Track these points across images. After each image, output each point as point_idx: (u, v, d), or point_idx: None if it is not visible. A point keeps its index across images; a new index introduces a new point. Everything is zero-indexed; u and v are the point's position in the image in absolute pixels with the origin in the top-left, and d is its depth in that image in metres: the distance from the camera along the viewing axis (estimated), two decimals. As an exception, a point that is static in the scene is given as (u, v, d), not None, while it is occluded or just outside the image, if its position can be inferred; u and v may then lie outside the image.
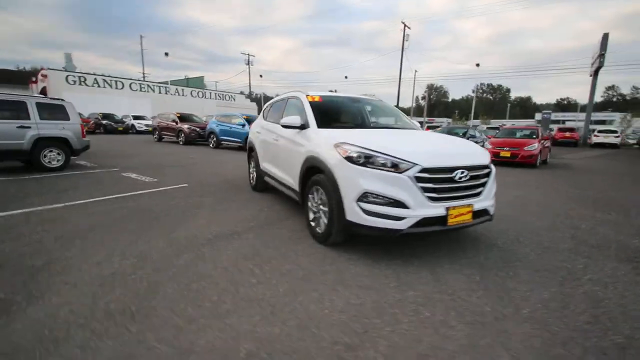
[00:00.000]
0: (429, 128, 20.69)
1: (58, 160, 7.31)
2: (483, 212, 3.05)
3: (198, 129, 15.59)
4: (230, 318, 2.05)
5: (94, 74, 30.26)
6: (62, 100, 7.52)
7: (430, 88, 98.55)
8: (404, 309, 2.17)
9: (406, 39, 34.45)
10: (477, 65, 39.83)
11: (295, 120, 3.75)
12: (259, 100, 51.63)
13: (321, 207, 3.25)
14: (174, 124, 16.21)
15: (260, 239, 3.45)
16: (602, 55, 23.46)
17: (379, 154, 2.76)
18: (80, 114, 7.99)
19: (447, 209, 2.75)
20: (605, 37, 23.42)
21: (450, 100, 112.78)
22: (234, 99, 43.28)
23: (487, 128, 26.52)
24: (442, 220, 2.75)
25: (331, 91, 6.05)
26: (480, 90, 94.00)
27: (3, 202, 4.61)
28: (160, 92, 34.72)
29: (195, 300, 2.25)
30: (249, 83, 47.52)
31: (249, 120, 13.37)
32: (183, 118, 16.56)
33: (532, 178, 8.31)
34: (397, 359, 1.73)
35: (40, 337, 1.85)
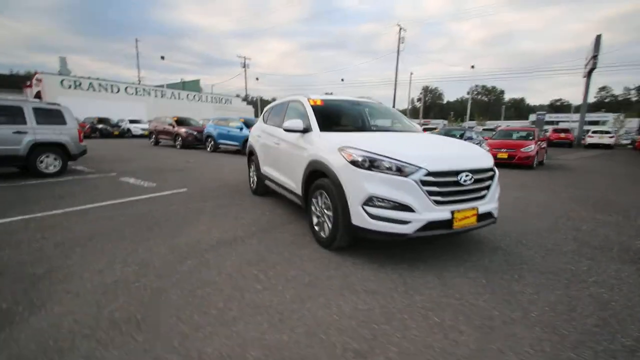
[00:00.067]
0: (425, 130, 20.73)
1: (55, 166, 7.23)
2: (487, 215, 3.05)
3: (195, 133, 15.52)
4: (237, 325, 2.03)
5: (89, 78, 30.11)
6: (59, 104, 7.45)
7: (426, 90, 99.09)
8: (413, 314, 2.16)
9: (402, 41, 34.72)
10: (472, 67, 40.20)
11: (298, 124, 3.74)
12: (256, 103, 51.66)
13: (325, 211, 3.23)
14: (171, 127, 16.13)
15: (264, 244, 3.43)
16: (595, 57, 23.73)
17: (384, 158, 2.76)
18: (75, 119, 7.92)
19: (453, 212, 2.75)
20: (598, 38, 23.70)
21: (445, 102, 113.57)
22: (231, 102, 43.22)
23: (483, 129, 26.71)
24: (447, 223, 2.75)
25: (327, 93, 6.04)
26: (475, 92, 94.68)
27: (1, 209, 4.54)
28: (156, 96, 34.61)
29: (201, 307, 2.23)
30: (245, 86, 47.50)
31: (247, 124, 13.35)
32: (180, 122, 16.49)
33: (529, 179, 8.36)
34: (408, 366, 1.72)
35: (44, 348, 1.81)
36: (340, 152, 3.01)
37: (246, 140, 12.60)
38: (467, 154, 3.19)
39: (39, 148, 6.94)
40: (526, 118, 72.33)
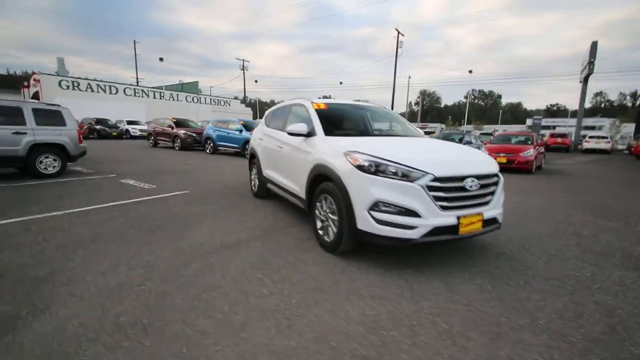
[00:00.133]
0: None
1: (54, 167, 7.18)
2: (492, 221, 3.06)
3: (194, 135, 15.50)
4: (245, 331, 2.01)
5: (87, 79, 29.99)
6: (59, 105, 7.42)
7: (423, 94, 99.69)
8: (421, 320, 2.15)
9: (400, 45, 34.87)
10: (470, 72, 40.46)
11: (302, 127, 3.73)
12: (254, 106, 51.67)
13: (330, 215, 3.23)
14: (170, 129, 16.09)
15: (267, 247, 3.41)
16: (591, 63, 23.98)
17: (391, 163, 2.76)
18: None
19: (458, 217, 2.75)
20: (595, 45, 23.98)
21: (442, 106, 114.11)
22: (229, 104, 43.19)
23: (480, 134, 26.87)
24: (453, 229, 2.75)
25: (325, 97, 6.05)
26: (472, 96, 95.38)
27: (0, 210, 4.50)
28: (154, 97, 34.50)
29: (207, 311, 2.21)
30: (244, 88, 47.52)
31: (246, 126, 13.34)
32: (179, 123, 16.46)
33: (528, 184, 8.40)
34: (419, 373, 1.71)
35: (49, 353, 1.79)
36: (346, 156, 3.01)
37: (245, 142, 12.70)
38: (473, 159, 3.20)
39: (38, 149, 6.90)
40: (523, 122, 72.88)
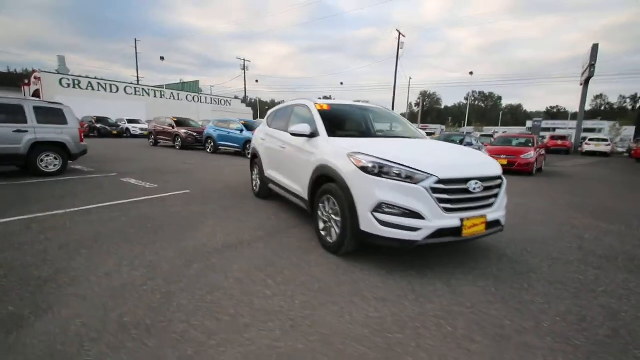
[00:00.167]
0: (425, 135, 20.75)
1: (55, 165, 7.17)
2: (495, 223, 3.06)
3: (195, 134, 15.49)
4: (250, 332, 2.01)
5: (88, 77, 29.95)
6: (61, 104, 7.41)
7: (424, 95, 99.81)
8: (425, 323, 2.15)
9: (401, 46, 34.88)
10: (471, 73, 40.51)
11: (305, 128, 3.73)
12: (255, 105, 51.65)
13: (333, 216, 3.22)
14: (171, 128, 16.07)
15: (270, 248, 3.41)
16: (592, 66, 24.02)
17: (395, 165, 2.76)
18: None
19: (462, 220, 2.75)
20: (595, 47, 24.02)
21: (443, 107, 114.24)
22: (230, 104, 43.17)
23: (481, 135, 26.89)
24: (457, 231, 2.75)
25: (326, 97, 6.05)
26: (473, 98, 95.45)
27: (2, 208, 4.49)
28: (155, 96, 34.46)
29: (212, 312, 2.20)
30: (245, 88, 47.50)
31: (247, 126, 13.34)
32: (180, 122, 16.45)
33: (529, 186, 8.41)
34: (424, 376, 1.70)
35: (52, 353, 1.78)
36: (350, 157, 3.01)
37: (246, 142, 12.70)
38: (476, 162, 3.20)
39: (40, 147, 6.89)
40: (523, 124, 73.06)
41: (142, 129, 23.77)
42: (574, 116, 33.35)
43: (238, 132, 13.30)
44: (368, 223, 2.79)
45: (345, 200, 2.95)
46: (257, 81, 53.69)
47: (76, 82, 28.17)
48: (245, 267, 2.93)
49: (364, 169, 2.84)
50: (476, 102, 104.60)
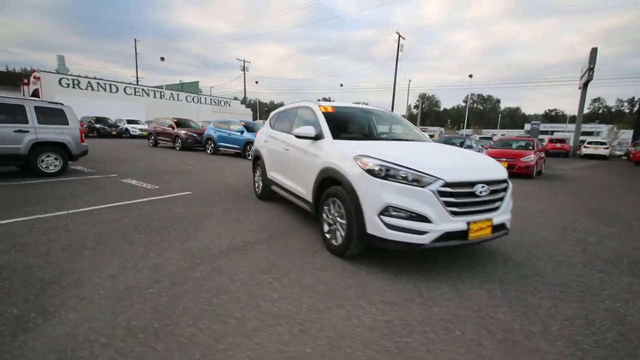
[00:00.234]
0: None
1: (55, 166, 7.14)
2: (501, 227, 3.06)
3: (195, 135, 15.46)
4: (258, 336, 1.99)
5: (87, 77, 29.87)
6: (62, 104, 7.37)
7: (423, 97, 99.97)
8: (434, 327, 2.14)
9: (400, 49, 34.99)
10: (470, 76, 40.62)
11: (310, 130, 3.72)
12: (254, 106, 51.65)
13: (338, 219, 3.22)
14: (171, 129, 16.04)
15: (274, 250, 3.40)
16: (591, 69, 24.13)
17: (401, 168, 2.75)
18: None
19: (468, 223, 2.75)
20: (594, 51, 24.14)
21: (442, 109, 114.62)
22: (229, 105, 43.14)
23: (480, 138, 26.95)
24: (463, 234, 2.75)
25: (325, 99, 6.06)
26: (471, 101, 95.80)
27: (3, 209, 4.46)
28: (154, 97, 34.39)
29: (218, 316, 2.19)
30: (244, 89, 47.52)
31: (248, 127, 13.33)
32: (180, 123, 16.41)
33: (530, 189, 8.43)
34: (435, 380, 1.69)
35: (62, 358, 1.76)
36: (356, 160, 3.00)
37: (246, 143, 12.68)
38: (482, 165, 3.20)
39: (40, 147, 6.85)
40: (521, 127, 73.29)
41: (141, 130, 23.71)
42: (572, 119, 33.53)
43: (238, 134, 13.28)
44: (375, 226, 2.78)
45: (352, 203, 2.95)
46: (256, 82, 53.47)
47: (76, 82, 28.09)
48: (250, 269, 2.92)
49: (370, 172, 2.84)
50: (475, 105, 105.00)
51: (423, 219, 2.66)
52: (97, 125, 22.85)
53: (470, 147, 13.38)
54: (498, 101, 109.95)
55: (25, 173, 7.11)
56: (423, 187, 2.67)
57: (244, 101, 48.28)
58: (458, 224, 2.73)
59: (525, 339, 2.05)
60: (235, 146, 13.43)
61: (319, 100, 4.83)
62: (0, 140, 6.29)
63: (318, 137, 3.74)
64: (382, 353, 1.87)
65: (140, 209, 4.79)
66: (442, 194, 2.69)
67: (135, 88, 33.29)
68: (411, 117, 75.60)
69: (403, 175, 2.74)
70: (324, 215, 3.46)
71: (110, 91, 30.51)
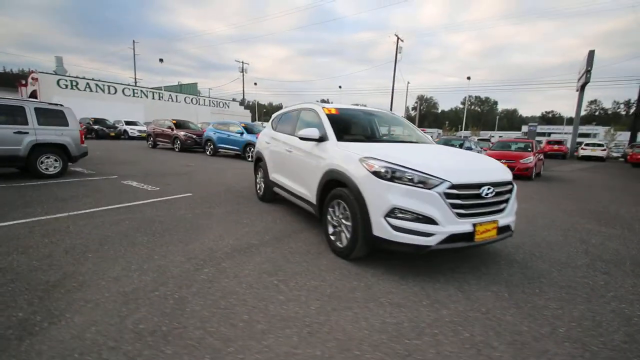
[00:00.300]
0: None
1: (55, 167, 7.10)
2: (506, 228, 3.07)
3: (194, 136, 15.43)
4: (267, 339, 1.98)
5: (85, 78, 29.78)
6: (62, 105, 7.34)
7: (421, 99, 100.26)
8: (443, 329, 2.14)
9: (399, 51, 35.12)
10: (468, 78, 40.72)
11: (314, 132, 3.72)
12: (253, 108, 51.62)
13: (343, 221, 3.21)
14: (170, 130, 16.00)
15: (279, 252, 3.39)
16: (588, 72, 24.32)
17: (408, 170, 2.76)
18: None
19: (474, 225, 2.75)
20: (592, 54, 24.32)
21: (439, 111, 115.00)
22: (228, 106, 43.13)
23: (478, 139, 27.03)
24: (469, 236, 2.75)
25: (324, 100, 6.07)
26: (469, 102, 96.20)
27: (3, 210, 4.43)
28: (153, 98, 34.34)
29: (226, 318, 2.18)
30: (243, 90, 47.52)
31: (247, 129, 13.32)
32: (179, 125, 16.38)
33: (530, 190, 8.45)
34: (447, 383, 1.69)
35: (69, 361, 1.74)
36: (362, 162, 3.00)
37: (246, 145, 12.67)
38: (488, 167, 3.21)
39: (40, 149, 6.82)
40: (518, 129, 73.68)
41: (140, 131, 23.64)
42: (569, 121, 33.73)
43: (238, 135, 13.27)
44: (381, 228, 2.78)
45: (357, 205, 2.94)
46: (255, 84, 53.51)
47: (74, 83, 28.01)
48: (255, 271, 2.90)
49: (376, 174, 2.84)
50: (472, 107, 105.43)
51: (429, 220, 2.66)
52: (96, 127, 22.77)
53: (469, 149, 13.42)
54: (495, 103, 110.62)
55: (25, 174, 7.07)
56: (429, 189, 2.67)
57: (242, 102, 48.26)
58: (464, 225, 2.73)
59: (534, 341, 2.06)
60: (235, 148, 13.41)
61: (317, 101, 4.84)
62: (0, 141, 6.25)
63: (322, 139, 3.74)
64: (392, 355, 1.86)
65: (142, 210, 4.77)
66: (448, 195, 2.69)
67: (133, 89, 33.23)
68: (409, 119, 75.58)
69: (409, 177, 2.74)
70: (329, 217, 3.45)
71: (109, 92, 30.44)
